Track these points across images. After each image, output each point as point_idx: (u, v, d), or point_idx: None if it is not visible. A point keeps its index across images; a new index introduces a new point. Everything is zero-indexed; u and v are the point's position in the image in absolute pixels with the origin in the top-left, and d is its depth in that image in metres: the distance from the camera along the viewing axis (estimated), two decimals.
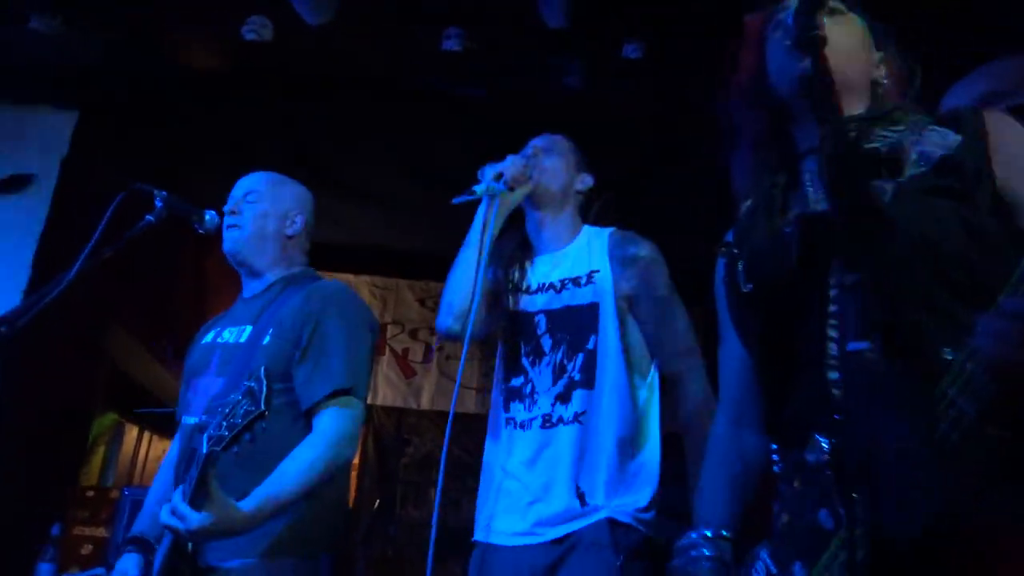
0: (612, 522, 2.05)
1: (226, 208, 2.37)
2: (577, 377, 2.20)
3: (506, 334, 2.40)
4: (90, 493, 4.93)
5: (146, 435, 7.47)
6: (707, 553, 1.42)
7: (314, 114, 4.30)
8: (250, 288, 2.40)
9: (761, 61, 1.44)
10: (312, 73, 3.99)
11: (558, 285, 2.34)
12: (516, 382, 2.31)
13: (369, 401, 5.64)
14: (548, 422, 2.20)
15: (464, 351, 2.16)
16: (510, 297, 2.40)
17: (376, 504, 5.53)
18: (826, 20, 1.24)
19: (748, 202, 1.52)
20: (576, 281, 2.32)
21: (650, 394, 2.26)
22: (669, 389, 2.22)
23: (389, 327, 6.47)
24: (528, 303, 2.38)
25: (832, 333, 1.24)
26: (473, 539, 2.26)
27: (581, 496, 2.09)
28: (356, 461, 5.00)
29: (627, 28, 3.21)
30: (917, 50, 1.02)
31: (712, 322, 1.76)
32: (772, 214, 1.42)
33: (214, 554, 1.99)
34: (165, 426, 7.08)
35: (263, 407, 1.97)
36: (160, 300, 5.17)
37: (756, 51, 1.46)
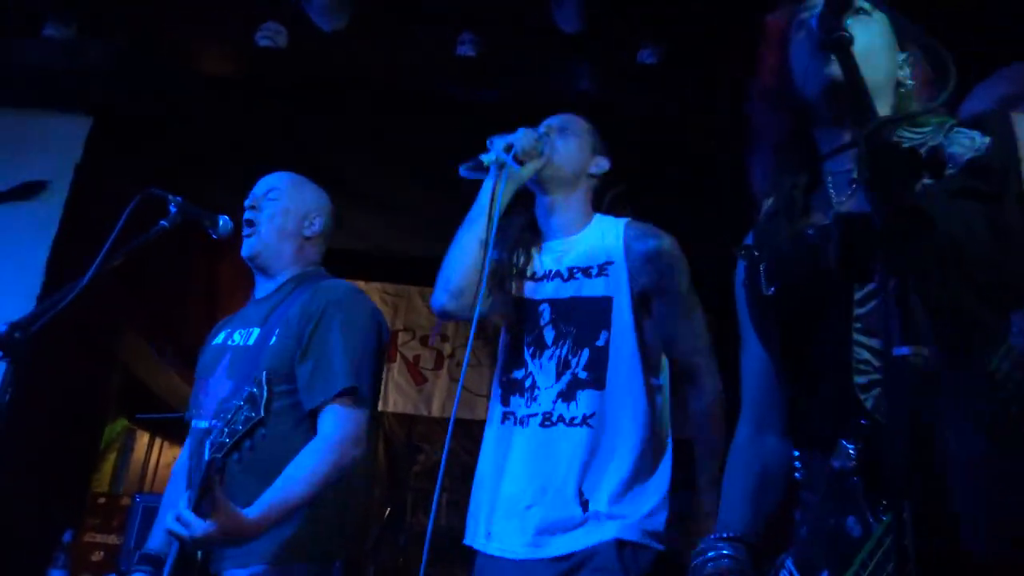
0: (620, 543, 1.92)
1: (247, 203, 2.37)
2: (583, 375, 2.07)
3: (509, 322, 2.27)
4: (101, 500, 4.95)
5: (157, 441, 7.49)
6: (726, 552, 1.41)
7: (327, 120, 4.30)
8: (262, 288, 2.39)
9: (783, 62, 1.43)
10: (326, 79, 4.00)
11: (566, 274, 2.21)
12: (517, 374, 2.19)
13: (380, 408, 5.64)
14: (548, 420, 2.07)
15: (470, 343, 2.07)
16: (513, 283, 2.27)
17: (387, 512, 5.51)
18: (850, 20, 1.22)
19: (768, 204, 1.50)
20: (587, 271, 2.18)
21: (664, 396, 2.14)
22: (681, 386, 2.11)
23: (400, 334, 6.47)
24: (532, 290, 2.25)
25: (859, 338, 1.23)
26: (468, 544, 2.13)
27: (584, 503, 1.97)
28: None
29: (642, 33, 3.20)
30: (950, 51, 1.00)
31: (722, 328, 1.74)
32: (793, 216, 1.40)
33: (224, 562, 1.98)
34: (176, 432, 7.09)
35: (262, 413, 1.97)
36: (172, 306, 5.18)
37: (778, 52, 1.44)
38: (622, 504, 1.96)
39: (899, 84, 1.42)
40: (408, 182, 4.74)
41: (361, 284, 6.61)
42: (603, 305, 2.12)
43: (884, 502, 1.08)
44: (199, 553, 1.93)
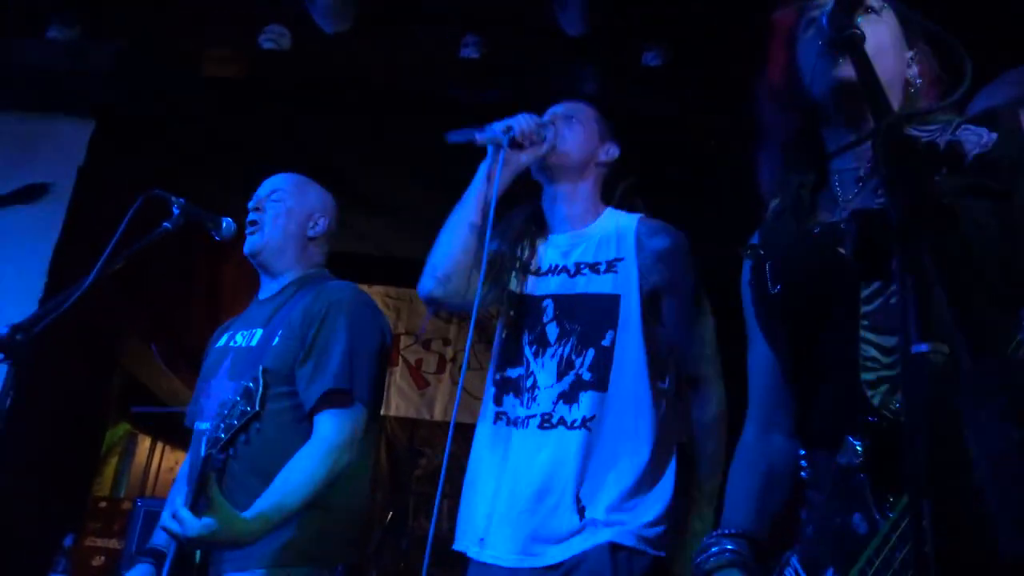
0: (614, 547, 1.83)
1: (250, 205, 2.37)
2: (586, 376, 1.96)
3: (506, 318, 2.15)
4: (103, 504, 4.94)
5: (159, 445, 7.48)
6: (729, 547, 1.41)
7: (330, 123, 4.31)
8: (266, 289, 2.39)
9: (791, 61, 1.42)
10: (329, 81, 4.00)
11: (572, 269, 2.10)
12: (513, 372, 2.07)
13: (382, 412, 5.64)
14: (547, 422, 1.96)
15: (468, 344, 1.98)
16: (515, 277, 2.15)
17: (389, 516, 5.50)
18: (860, 19, 1.21)
19: (775, 203, 1.50)
20: (595, 267, 2.08)
21: (670, 401, 2.03)
22: (686, 393, 2.02)
23: (402, 338, 6.46)
24: (535, 285, 2.13)
25: (866, 335, 1.23)
26: (459, 549, 2.02)
27: (581, 510, 1.87)
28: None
29: (646, 35, 3.20)
30: (965, 50, 0.99)
31: (727, 329, 1.73)
32: (800, 215, 1.40)
33: (223, 565, 1.97)
34: (178, 436, 7.08)
35: (257, 407, 1.95)
36: (174, 309, 5.17)
37: (785, 51, 1.43)
38: (621, 513, 1.87)
39: (907, 83, 1.42)
40: (411, 185, 4.74)
41: (363, 287, 6.60)
42: (610, 303, 2.01)
43: (891, 499, 1.08)
44: (197, 555, 1.92)
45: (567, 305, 2.06)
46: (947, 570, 0.67)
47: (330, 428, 2.03)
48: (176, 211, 2.23)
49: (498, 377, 2.11)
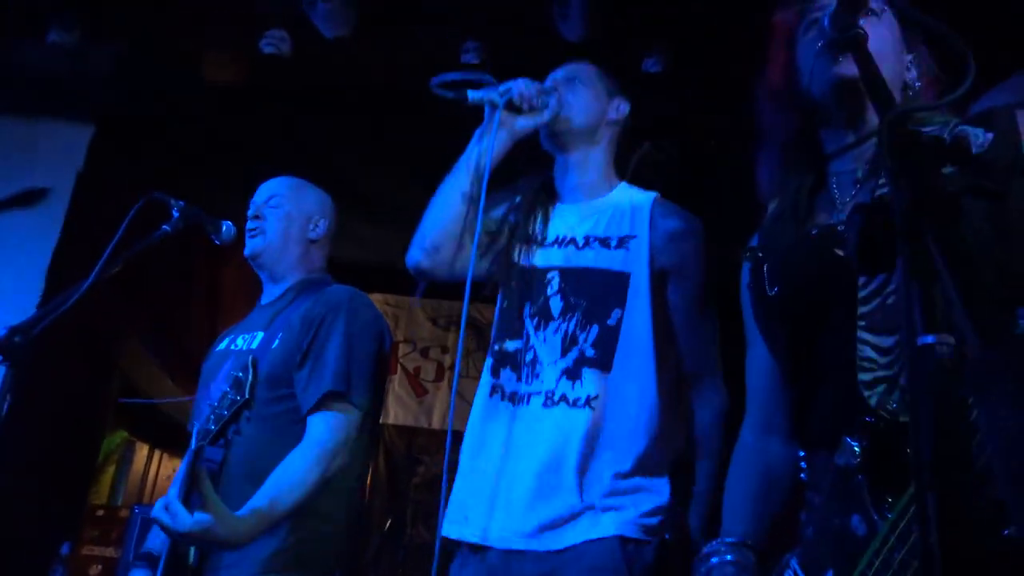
0: (623, 540, 1.74)
1: (249, 213, 2.36)
2: (590, 353, 1.87)
3: (506, 288, 2.05)
4: (100, 512, 4.93)
5: (156, 453, 7.47)
6: (730, 558, 1.40)
7: (331, 128, 4.31)
8: (268, 294, 2.38)
9: (792, 61, 1.42)
10: (329, 87, 4.01)
11: (581, 241, 1.99)
12: (511, 345, 1.97)
13: (380, 420, 5.60)
14: (550, 400, 1.87)
15: (460, 345, 1.90)
16: (518, 246, 2.05)
17: (387, 524, 5.48)
18: (861, 21, 1.21)
19: (773, 205, 1.51)
20: (605, 242, 1.97)
21: (674, 385, 1.93)
22: (686, 395, 1.93)
23: (401, 345, 6.46)
24: (540, 256, 2.02)
25: (863, 335, 1.23)
26: (451, 536, 1.89)
27: (582, 492, 1.79)
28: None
29: (646, 41, 3.20)
30: (967, 53, 0.99)
31: (725, 331, 1.72)
32: (798, 218, 1.40)
33: (219, 572, 1.95)
34: (176, 443, 7.07)
35: (247, 395, 1.94)
36: (172, 316, 5.17)
37: (785, 51, 1.44)
38: (619, 497, 1.79)
39: (906, 86, 1.42)
40: (411, 192, 4.72)
41: None
42: (619, 281, 1.91)
43: (889, 499, 1.08)
44: (191, 556, 1.90)
45: (573, 278, 1.95)
46: (951, 562, 0.66)
47: (323, 430, 2.02)
48: (176, 214, 2.23)
49: (496, 348, 2.01)
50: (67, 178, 3.99)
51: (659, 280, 1.92)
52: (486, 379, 2.00)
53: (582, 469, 1.80)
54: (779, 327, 1.42)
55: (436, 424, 6.32)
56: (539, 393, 1.89)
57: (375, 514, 5.84)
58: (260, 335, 2.23)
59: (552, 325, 1.93)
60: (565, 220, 2.05)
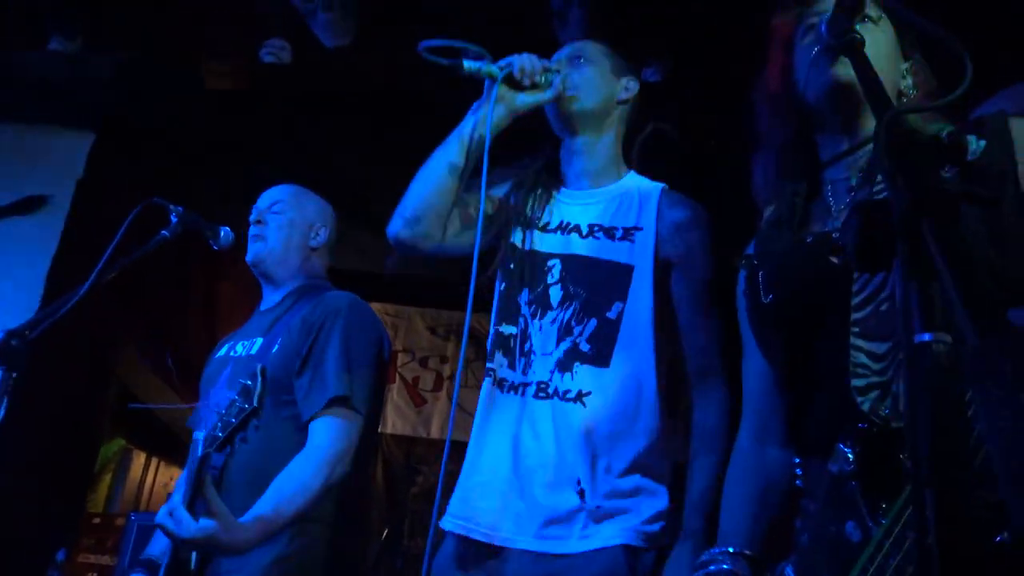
0: (627, 549, 1.70)
1: (251, 218, 2.37)
2: (584, 348, 1.81)
3: (505, 270, 1.98)
4: (96, 520, 4.91)
5: (153, 461, 7.45)
6: (727, 567, 1.40)
7: (331, 137, 4.32)
8: (268, 300, 2.39)
9: (788, 66, 1.43)
10: (330, 96, 4.02)
11: (585, 229, 1.92)
12: (507, 329, 1.92)
13: (379, 430, 5.60)
14: (542, 391, 1.82)
15: (463, 350, 1.74)
16: (519, 229, 1.98)
17: (384, 534, 5.46)
18: (858, 26, 1.22)
19: (769, 212, 1.51)
20: (610, 232, 1.90)
21: (675, 385, 1.87)
22: (685, 395, 1.86)
23: (400, 355, 6.45)
24: (542, 242, 1.95)
25: (856, 342, 1.24)
26: (447, 528, 1.84)
27: (581, 492, 1.73)
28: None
29: (646, 51, 3.21)
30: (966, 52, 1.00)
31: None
32: (793, 225, 1.41)
33: None
34: (173, 452, 7.05)
35: (256, 403, 1.94)
36: (170, 323, 5.16)
37: (782, 55, 1.45)
38: (618, 501, 1.74)
39: (900, 94, 1.43)
40: None
41: None
42: (622, 274, 1.84)
43: (883, 505, 1.08)
44: (192, 563, 1.90)
45: (575, 267, 1.88)
46: (948, 560, 0.66)
47: (326, 437, 2.01)
48: (174, 219, 2.23)
49: (493, 331, 1.96)
50: (67, 185, 3.98)
51: (663, 272, 1.85)
52: (488, 362, 1.94)
53: (580, 467, 1.75)
54: (774, 334, 1.43)
55: (435, 434, 6.31)
56: (531, 384, 1.84)
57: (373, 523, 5.82)
58: (259, 341, 2.23)
59: (550, 315, 1.86)
60: (570, 207, 1.97)
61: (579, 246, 1.91)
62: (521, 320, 1.90)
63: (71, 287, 2.02)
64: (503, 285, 1.98)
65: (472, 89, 1.91)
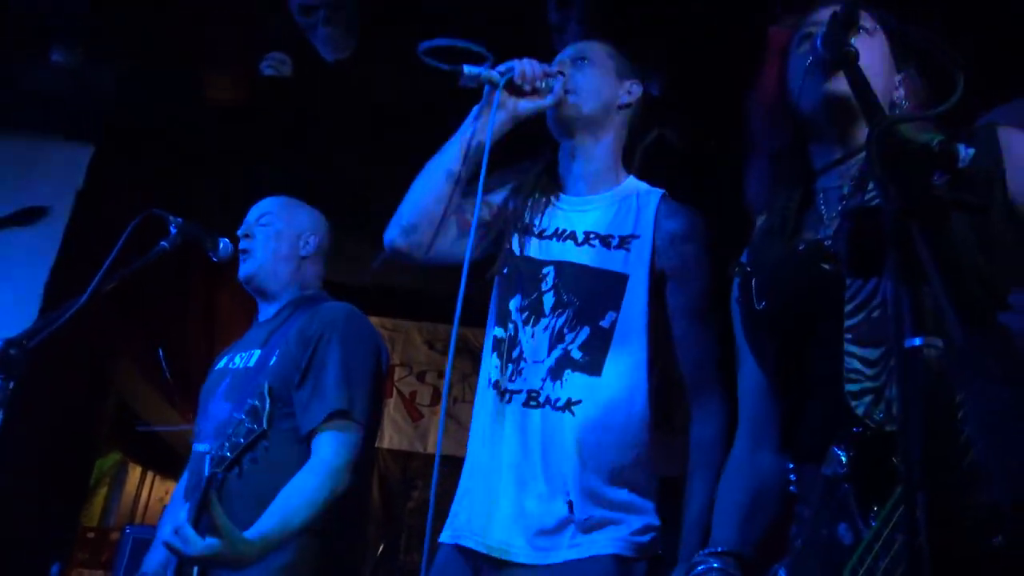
0: (617, 559, 1.68)
1: (240, 232, 2.37)
2: (576, 355, 1.78)
3: (500, 276, 1.95)
4: (91, 534, 4.90)
5: (149, 475, 7.43)
6: (716, 565, 1.40)
7: (330, 151, 4.33)
8: (265, 312, 2.40)
9: (784, 75, 1.45)
10: (329, 109, 4.03)
11: (580, 236, 1.89)
12: (499, 333, 1.90)
13: (375, 444, 5.57)
14: (533, 400, 1.79)
15: (451, 355, 1.69)
16: (516, 235, 1.94)
17: (380, 549, 5.44)
18: (852, 39, 1.24)
19: (761, 220, 1.53)
20: (606, 240, 1.87)
21: (666, 397, 1.84)
22: (681, 406, 1.83)
23: (397, 369, 6.44)
24: (537, 248, 1.92)
25: (850, 348, 1.24)
26: (447, 541, 1.81)
27: (570, 504, 1.71)
28: None
29: (645, 64, 3.23)
30: (959, 64, 1.02)
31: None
32: (786, 234, 1.42)
33: None
34: (169, 466, 7.03)
35: (265, 425, 1.94)
36: (168, 335, 5.16)
37: (779, 64, 1.47)
38: (607, 512, 1.72)
39: (893, 104, 1.44)
40: None
41: None
42: (616, 283, 1.82)
43: (875, 508, 1.08)
44: (195, 574, 1.89)
45: (569, 275, 1.86)
46: (939, 561, 0.67)
47: (329, 450, 2.02)
48: (173, 230, 2.24)
49: (487, 335, 1.95)
50: (67, 197, 4.01)
51: (659, 283, 1.83)
52: (483, 366, 1.93)
53: (569, 478, 1.72)
54: (767, 341, 1.44)
55: (431, 449, 6.28)
56: (522, 392, 1.81)
57: (371, 538, 5.80)
58: (257, 353, 2.24)
59: (543, 322, 1.84)
60: (566, 212, 1.95)
61: (574, 254, 1.88)
62: (511, 326, 1.88)
63: (70, 298, 2.02)
64: (497, 290, 1.96)
65: (469, 96, 1.90)
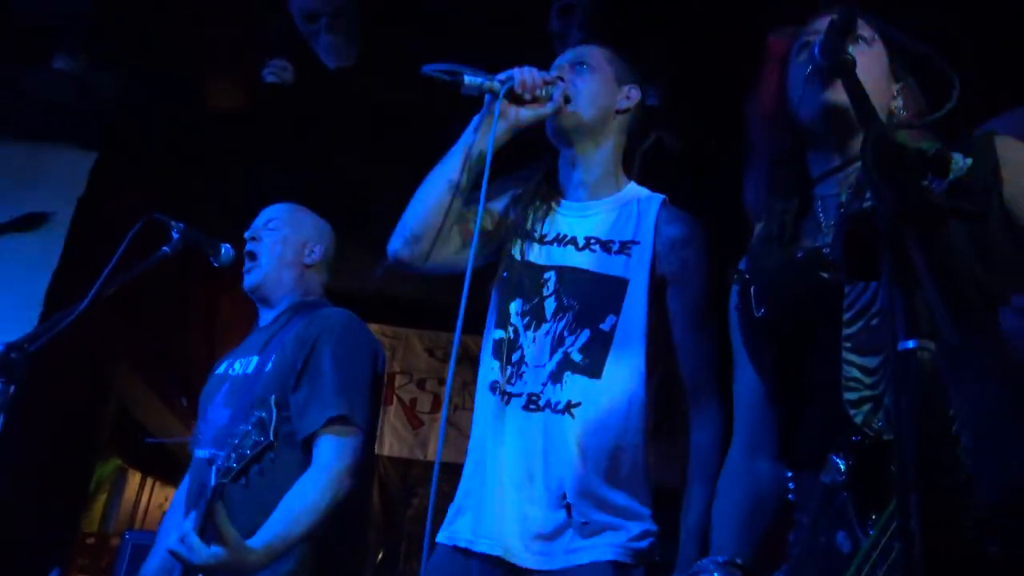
0: (615, 565, 1.68)
1: (247, 235, 2.38)
2: (576, 358, 1.79)
3: (499, 280, 1.97)
4: (91, 539, 4.88)
5: (148, 481, 7.41)
6: (717, 575, 1.41)
7: (332, 158, 4.34)
8: (264, 317, 2.40)
9: (782, 83, 1.46)
10: (331, 116, 4.05)
11: (581, 242, 1.91)
12: (499, 334, 1.90)
13: (375, 451, 5.57)
14: (533, 403, 1.80)
15: (453, 358, 1.65)
16: (518, 242, 1.96)
17: (380, 556, 5.43)
18: (850, 48, 1.25)
19: (760, 228, 1.53)
20: (607, 245, 1.88)
21: (665, 403, 1.85)
22: (678, 407, 1.84)
23: (397, 377, 6.44)
24: (538, 254, 1.94)
25: (848, 356, 1.25)
26: (444, 541, 1.81)
27: (567, 507, 1.71)
28: None
29: (644, 75, 3.24)
30: (955, 73, 1.02)
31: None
32: (784, 241, 1.43)
33: None
34: (169, 472, 7.02)
35: (272, 437, 1.94)
36: (169, 341, 5.16)
37: (778, 72, 1.47)
38: (605, 516, 1.72)
39: (891, 113, 1.45)
40: None
41: None
42: (617, 287, 1.83)
43: (874, 516, 1.08)
44: None
45: (570, 280, 1.87)
46: (934, 565, 0.67)
47: (331, 455, 2.02)
48: (175, 235, 2.24)
49: (488, 336, 1.95)
50: (68, 203, 4.01)
51: (659, 287, 1.84)
52: (482, 368, 1.93)
53: (567, 482, 1.72)
54: (766, 348, 1.45)
55: (432, 456, 6.28)
56: (521, 395, 1.81)
57: (369, 546, 5.79)
58: (255, 359, 2.24)
59: (544, 327, 1.84)
60: (567, 218, 1.96)
61: (575, 259, 1.89)
62: (511, 329, 1.89)
63: (71, 303, 2.03)
64: (497, 293, 1.96)
65: (469, 105, 1.90)
